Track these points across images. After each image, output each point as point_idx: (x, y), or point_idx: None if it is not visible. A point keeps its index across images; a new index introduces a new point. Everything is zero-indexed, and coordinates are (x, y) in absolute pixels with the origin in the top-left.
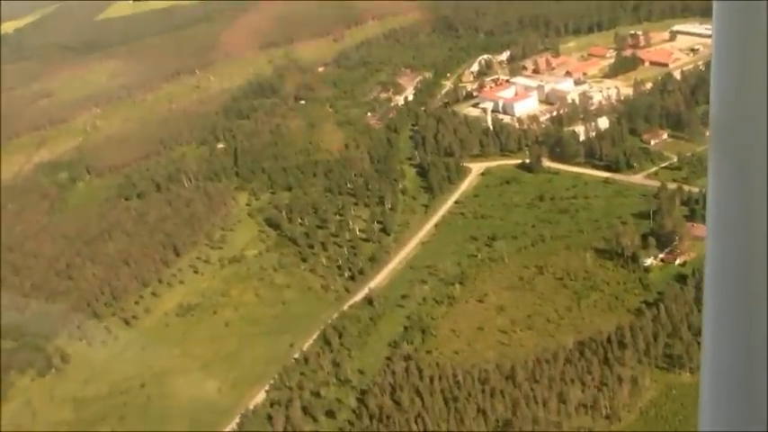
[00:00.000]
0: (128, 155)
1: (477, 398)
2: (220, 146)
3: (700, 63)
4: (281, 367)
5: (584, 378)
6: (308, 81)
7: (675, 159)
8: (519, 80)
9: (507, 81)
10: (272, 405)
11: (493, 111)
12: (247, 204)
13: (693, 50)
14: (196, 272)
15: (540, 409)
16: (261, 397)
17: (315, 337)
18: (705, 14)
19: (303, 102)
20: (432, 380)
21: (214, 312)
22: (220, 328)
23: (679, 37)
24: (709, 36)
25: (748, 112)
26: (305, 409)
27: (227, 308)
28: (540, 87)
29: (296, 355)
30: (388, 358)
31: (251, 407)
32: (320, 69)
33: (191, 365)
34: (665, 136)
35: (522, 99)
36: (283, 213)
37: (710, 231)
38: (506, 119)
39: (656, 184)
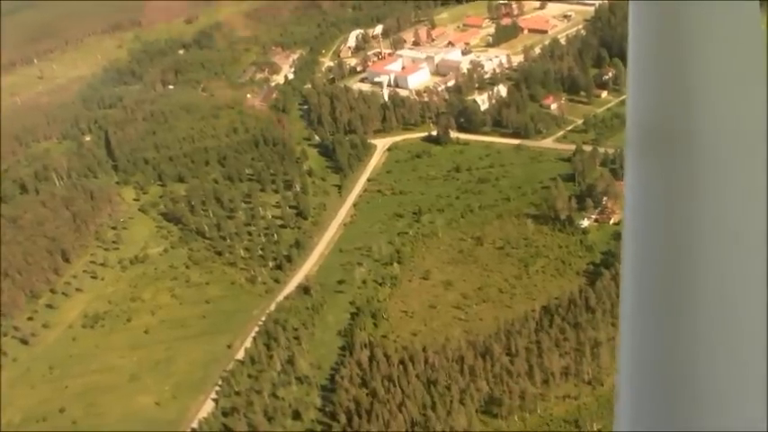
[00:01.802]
0: None
1: (456, 378)
2: (88, 138)
3: (579, 27)
4: (224, 371)
5: (559, 345)
6: (172, 64)
7: (580, 122)
8: (405, 53)
9: (390, 55)
10: (225, 414)
11: (380, 85)
12: (135, 199)
13: (566, 17)
14: (94, 277)
15: (525, 382)
16: (209, 406)
17: (253, 334)
18: None
19: (172, 87)
20: (404, 365)
21: (128, 319)
22: (140, 336)
23: (548, 4)
24: (577, 2)
25: (668, 112)
26: (265, 413)
27: (142, 313)
28: (429, 59)
29: (238, 356)
30: (343, 348)
31: (201, 417)
32: (181, 52)
33: (115, 380)
34: (563, 100)
35: (413, 71)
36: (182, 206)
37: (627, 235)
38: (402, 92)
39: (567, 147)
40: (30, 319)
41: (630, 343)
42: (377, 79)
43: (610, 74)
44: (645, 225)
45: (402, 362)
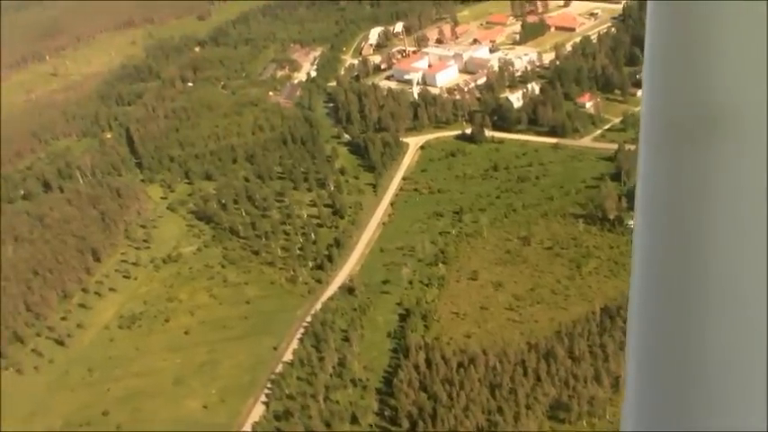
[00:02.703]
0: None
1: (522, 382)
2: (108, 136)
3: (608, 25)
4: (272, 374)
5: (625, 348)
6: (189, 61)
7: (617, 121)
8: (431, 50)
9: (415, 52)
10: (278, 418)
11: (409, 83)
12: (163, 197)
13: (593, 14)
14: (127, 276)
15: (594, 387)
16: (259, 410)
17: (299, 335)
18: None
19: (191, 84)
20: (464, 369)
21: (166, 320)
22: (180, 337)
23: (573, 2)
24: (602, 0)
25: (685, 107)
26: (321, 417)
27: (180, 313)
28: (457, 56)
29: (286, 358)
30: (394, 350)
31: (253, 422)
32: (197, 49)
33: (158, 383)
34: (598, 98)
35: (442, 69)
36: (213, 204)
37: (638, 233)
38: (432, 90)
39: (606, 146)
40: (63, 318)
41: (637, 344)
42: (406, 77)
43: None
44: (658, 222)
45: (461, 365)
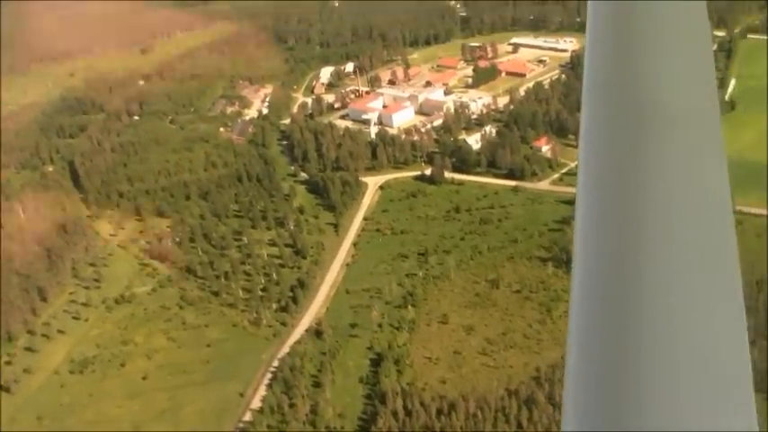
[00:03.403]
0: None
1: (504, 430)
2: (50, 169)
3: (557, 72)
4: (240, 421)
5: None
6: (135, 95)
7: (573, 165)
8: (386, 91)
9: (368, 92)
10: None
11: (365, 122)
12: (112, 234)
13: (541, 61)
14: (77, 318)
15: None
16: None
17: (266, 381)
18: (535, 28)
19: (137, 117)
20: (443, 415)
21: (121, 364)
22: (137, 382)
23: (521, 49)
24: (549, 48)
25: (622, 111)
26: None
27: (136, 357)
28: (412, 97)
29: (254, 405)
30: (368, 396)
31: None
32: (141, 82)
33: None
34: (554, 143)
35: (397, 110)
36: (167, 242)
37: (579, 232)
38: (389, 131)
39: (565, 189)
40: (8, 363)
41: (576, 342)
42: (364, 116)
43: None
44: (598, 223)
45: (440, 411)
